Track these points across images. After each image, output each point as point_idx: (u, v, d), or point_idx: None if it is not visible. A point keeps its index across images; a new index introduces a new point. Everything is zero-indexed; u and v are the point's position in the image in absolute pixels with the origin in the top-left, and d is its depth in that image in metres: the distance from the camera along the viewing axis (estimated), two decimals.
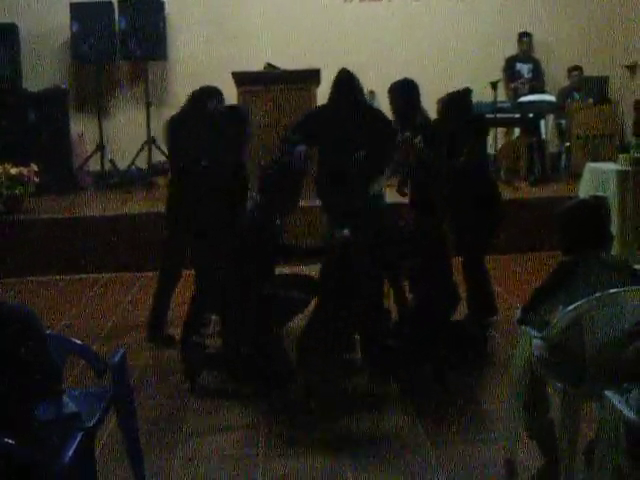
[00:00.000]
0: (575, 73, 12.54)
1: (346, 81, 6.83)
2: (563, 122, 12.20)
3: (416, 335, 6.04)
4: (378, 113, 7.09)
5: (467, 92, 6.90)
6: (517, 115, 11.65)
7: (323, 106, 7.10)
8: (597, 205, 4.71)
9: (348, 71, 6.86)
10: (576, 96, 12.42)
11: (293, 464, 4.79)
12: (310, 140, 6.84)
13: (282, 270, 6.51)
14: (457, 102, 6.88)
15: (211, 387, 6.15)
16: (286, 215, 6.25)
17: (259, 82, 9.85)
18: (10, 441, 3.09)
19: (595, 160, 10.29)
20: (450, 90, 7.00)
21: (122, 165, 12.28)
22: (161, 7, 12.27)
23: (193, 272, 6.93)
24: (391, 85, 7.27)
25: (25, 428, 3.23)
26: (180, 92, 12.66)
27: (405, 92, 7.13)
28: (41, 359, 3.41)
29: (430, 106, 7.50)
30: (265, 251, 5.90)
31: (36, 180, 10.15)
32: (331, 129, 6.77)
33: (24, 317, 3.43)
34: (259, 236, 5.88)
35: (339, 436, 5.12)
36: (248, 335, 5.87)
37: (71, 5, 12.12)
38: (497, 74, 12.08)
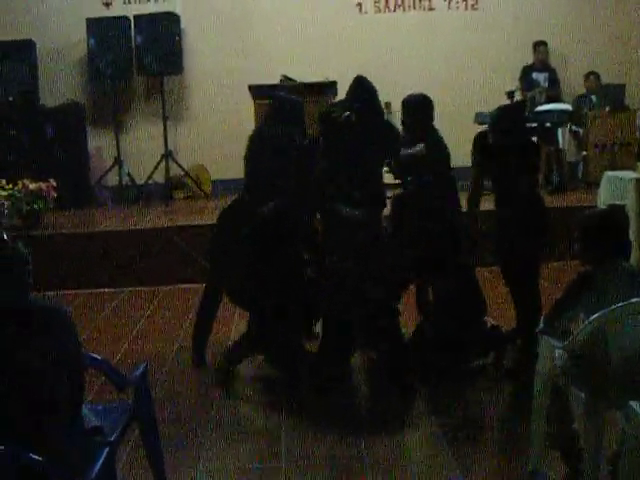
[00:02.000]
0: (592, 77, 12.50)
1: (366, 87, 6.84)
2: (580, 130, 12.16)
3: (438, 345, 6.03)
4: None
5: (523, 105, 6.76)
6: (534, 124, 11.61)
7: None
8: (616, 214, 4.69)
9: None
10: (593, 99, 12.38)
11: (315, 477, 4.78)
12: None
13: None
14: (513, 114, 6.71)
15: (232, 399, 6.16)
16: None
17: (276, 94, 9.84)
18: (37, 457, 3.10)
19: (613, 169, 10.25)
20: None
21: (140, 179, 12.30)
22: (177, 22, 12.32)
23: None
24: (407, 99, 7.14)
25: (50, 443, 3.23)
26: (196, 106, 12.80)
27: (422, 108, 6.99)
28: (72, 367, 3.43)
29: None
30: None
31: (54, 195, 10.18)
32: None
33: (63, 319, 3.44)
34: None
35: (361, 448, 5.11)
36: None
37: (87, 21, 12.19)
38: (513, 83, 12.05)
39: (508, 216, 6.38)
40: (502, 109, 6.69)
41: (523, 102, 6.79)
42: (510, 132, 6.45)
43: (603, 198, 9.01)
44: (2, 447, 3.08)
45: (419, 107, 6.96)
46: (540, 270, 6.53)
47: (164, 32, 12.11)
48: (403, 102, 7.07)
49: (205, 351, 6.83)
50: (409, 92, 7.21)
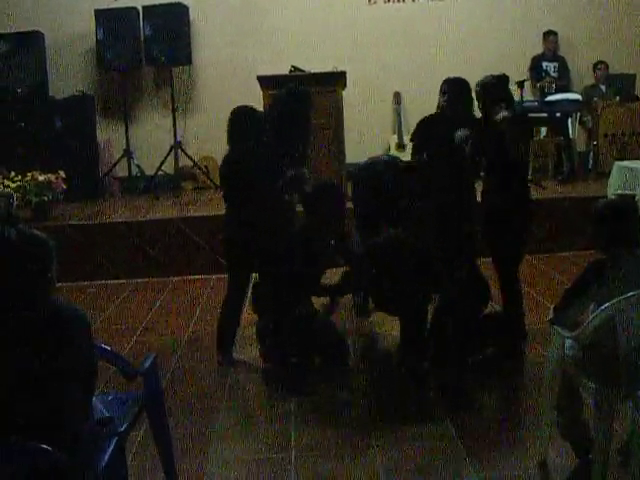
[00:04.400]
0: (600, 66, 12.47)
1: None
2: (590, 120, 12.12)
3: (445, 336, 6.03)
4: None
5: (503, 78, 6.71)
6: (544, 114, 11.59)
7: None
8: (625, 204, 4.68)
9: None
10: (603, 89, 12.35)
11: (325, 468, 4.78)
12: None
13: None
14: (492, 87, 6.57)
15: (242, 390, 6.17)
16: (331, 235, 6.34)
17: (285, 85, 9.81)
18: (47, 447, 3.10)
19: (623, 158, 10.23)
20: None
21: (149, 171, 12.29)
22: (185, 12, 12.28)
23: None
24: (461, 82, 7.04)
25: (61, 433, 3.24)
26: (205, 96, 12.79)
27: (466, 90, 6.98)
28: (86, 367, 3.43)
29: None
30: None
31: (64, 187, 10.19)
32: None
33: (80, 322, 3.44)
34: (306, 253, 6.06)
35: (369, 438, 5.11)
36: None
37: (96, 12, 12.16)
38: (523, 73, 12.02)
39: (492, 193, 6.45)
40: (484, 81, 6.64)
41: (504, 76, 6.69)
42: (491, 105, 6.45)
43: (613, 188, 8.99)
44: (16, 440, 3.11)
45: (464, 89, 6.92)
46: (523, 256, 6.62)
47: (173, 23, 12.06)
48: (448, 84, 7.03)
49: (232, 349, 6.71)
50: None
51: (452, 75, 7.02)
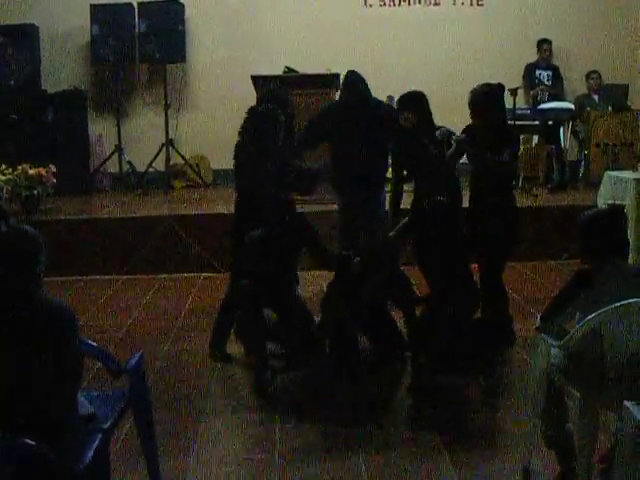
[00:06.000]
0: (593, 76, 12.50)
1: (355, 81, 6.92)
2: (582, 130, 12.15)
3: (433, 342, 6.02)
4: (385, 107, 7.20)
5: (500, 87, 6.73)
6: (536, 122, 11.62)
7: (334, 105, 7.11)
8: (614, 214, 4.69)
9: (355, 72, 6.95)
10: (595, 98, 12.39)
11: (307, 470, 4.78)
12: (323, 138, 7.19)
13: None
14: (491, 95, 6.65)
15: (227, 390, 6.16)
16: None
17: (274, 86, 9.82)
18: (31, 442, 3.10)
19: (614, 169, 10.25)
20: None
21: (140, 167, 12.28)
22: (181, 10, 12.28)
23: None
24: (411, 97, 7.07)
25: (46, 429, 3.23)
26: (199, 95, 12.78)
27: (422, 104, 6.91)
28: (72, 363, 3.43)
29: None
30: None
31: (54, 181, 10.17)
32: (344, 126, 6.92)
33: (66, 318, 3.43)
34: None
35: (354, 442, 5.10)
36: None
37: (91, 7, 12.16)
38: (517, 81, 12.04)
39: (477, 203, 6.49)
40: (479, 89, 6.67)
41: (499, 85, 6.72)
42: (484, 114, 6.49)
43: (603, 198, 9.00)
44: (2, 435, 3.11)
45: (422, 102, 6.89)
46: (506, 260, 6.69)
47: (168, 20, 12.07)
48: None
49: (225, 346, 6.74)
50: (411, 86, 7.18)
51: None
